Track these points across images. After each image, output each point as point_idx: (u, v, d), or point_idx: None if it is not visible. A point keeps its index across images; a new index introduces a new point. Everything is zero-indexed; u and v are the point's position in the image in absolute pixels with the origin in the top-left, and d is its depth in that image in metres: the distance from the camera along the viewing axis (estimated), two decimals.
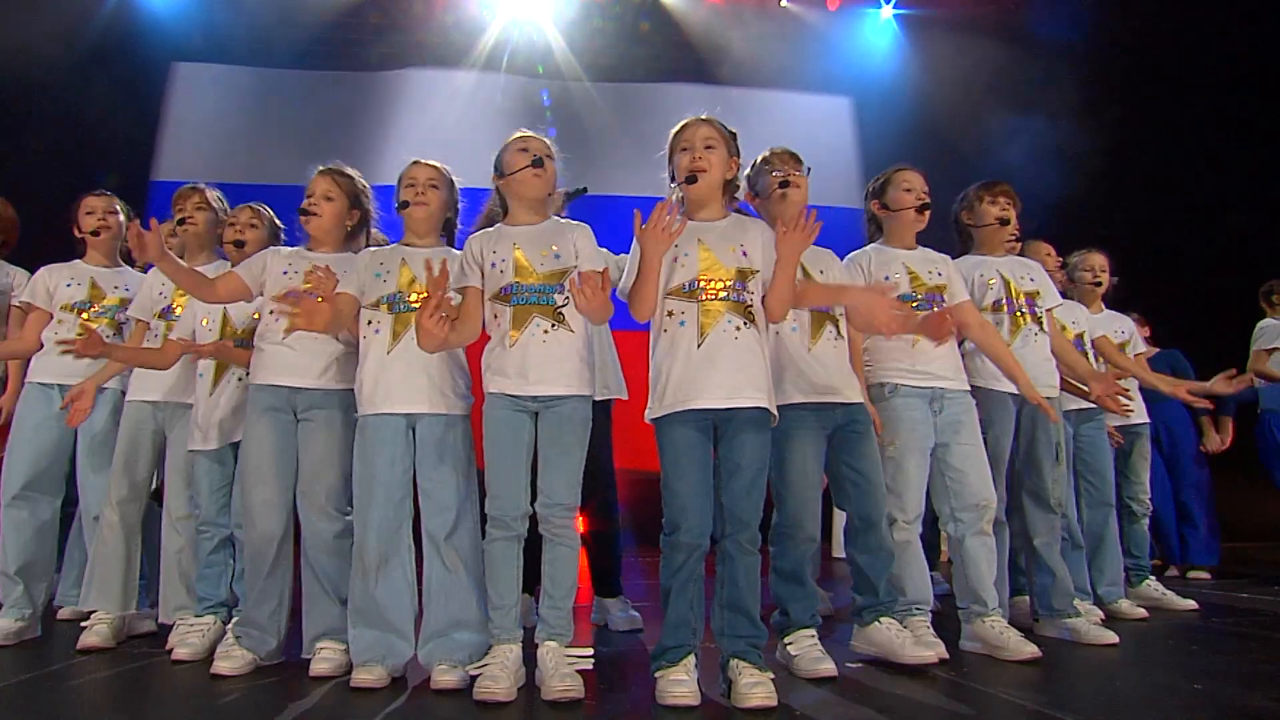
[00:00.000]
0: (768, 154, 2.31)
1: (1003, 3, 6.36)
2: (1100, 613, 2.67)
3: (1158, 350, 4.07)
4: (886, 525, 2.18)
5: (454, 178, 2.26)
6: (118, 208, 2.78)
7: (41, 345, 2.66)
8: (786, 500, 2.09)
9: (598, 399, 2.77)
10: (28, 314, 2.72)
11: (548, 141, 2.14)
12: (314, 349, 2.15)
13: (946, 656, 2.13)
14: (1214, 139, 5.60)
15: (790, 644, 2.05)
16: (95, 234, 2.71)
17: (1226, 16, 5.41)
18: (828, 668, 1.95)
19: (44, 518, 2.57)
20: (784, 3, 6.69)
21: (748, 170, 2.29)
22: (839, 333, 2.19)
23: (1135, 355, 3.40)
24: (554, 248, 2.04)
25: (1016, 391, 2.49)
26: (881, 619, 2.11)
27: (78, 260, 2.75)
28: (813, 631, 2.06)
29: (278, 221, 2.58)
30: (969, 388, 2.39)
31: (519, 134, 2.14)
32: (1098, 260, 3.25)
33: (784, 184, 2.21)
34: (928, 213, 2.43)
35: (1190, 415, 4.06)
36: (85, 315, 2.67)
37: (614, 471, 2.84)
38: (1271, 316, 4.16)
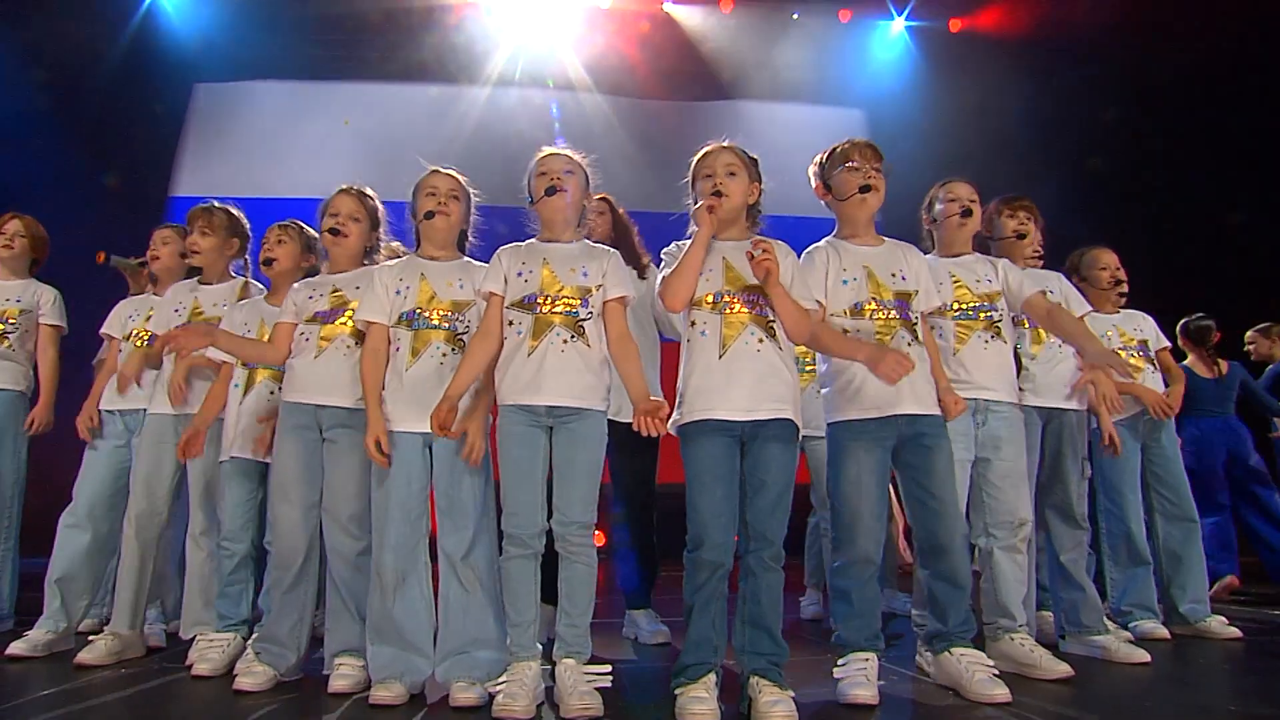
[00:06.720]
0: (847, 146, 2.13)
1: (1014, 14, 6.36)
2: (1128, 633, 2.61)
3: (1227, 363, 3.99)
4: (963, 551, 2.03)
5: (471, 190, 2.26)
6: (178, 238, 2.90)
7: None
8: (841, 515, 2.01)
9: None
10: (109, 343, 2.89)
11: (571, 155, 2.11)
12: (342, 367, 2.15)
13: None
14: (1221, 141, 5.56)
15: (839, 665, 1.95)
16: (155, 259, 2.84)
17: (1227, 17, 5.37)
18: (861, 694, 1.86)
19: (100, 540, 2.60)
20: (796, 15, 6.70)
21: (820, 157, 2.18)
22: (914, 339, 2.05)
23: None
24: (583, 267, 2.03)
25: (1041, 405, 2.45)
26: (953, 649, 2.00)
27: (149, 295, 2.89)
28: (867, 655, 1.93)
29: (309, 230, 2.51)
30: (1016, 400, 2.30)
31: (541, 154, 2.11)
32: (1112, 258, 2.94)
33: (865, 189, 2.07)
34: (970, 218, 2.37)
35: (1250, 428, 3.95)
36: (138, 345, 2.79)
37: (655, 488, 2.81)
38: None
